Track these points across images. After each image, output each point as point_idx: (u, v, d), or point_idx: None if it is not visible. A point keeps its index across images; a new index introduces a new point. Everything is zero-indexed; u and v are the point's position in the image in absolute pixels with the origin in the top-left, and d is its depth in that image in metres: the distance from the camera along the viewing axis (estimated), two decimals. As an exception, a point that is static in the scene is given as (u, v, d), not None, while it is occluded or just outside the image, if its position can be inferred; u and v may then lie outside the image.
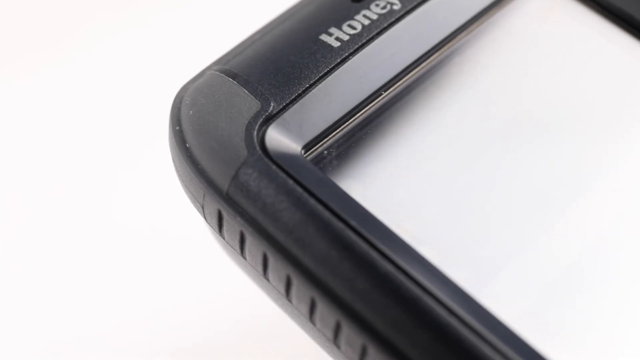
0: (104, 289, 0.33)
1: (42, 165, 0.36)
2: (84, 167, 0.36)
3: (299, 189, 0.22)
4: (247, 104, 0.23)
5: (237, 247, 0.23)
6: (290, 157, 0.23)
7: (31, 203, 0.35)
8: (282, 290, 0.23)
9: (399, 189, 0.23)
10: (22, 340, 0.33)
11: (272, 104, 0.23)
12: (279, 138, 0.23)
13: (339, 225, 0.22)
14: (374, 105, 0.24)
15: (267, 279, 0.23)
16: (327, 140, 0.24)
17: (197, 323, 0.33)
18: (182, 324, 0.33)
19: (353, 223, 0.22)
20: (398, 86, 0.25)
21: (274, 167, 0.22)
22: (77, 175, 0.36)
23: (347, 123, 0.24)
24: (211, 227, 0.24)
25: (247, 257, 0.23)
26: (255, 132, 0.23)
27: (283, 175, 0.22)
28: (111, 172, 0.36)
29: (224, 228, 0.23)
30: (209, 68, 0.25)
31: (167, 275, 0.33)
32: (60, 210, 0.35)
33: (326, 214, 0.22)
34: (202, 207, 0.24)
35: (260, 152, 0.23)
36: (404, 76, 0.25)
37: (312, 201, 0.22)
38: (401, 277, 0.21)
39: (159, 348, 0.32)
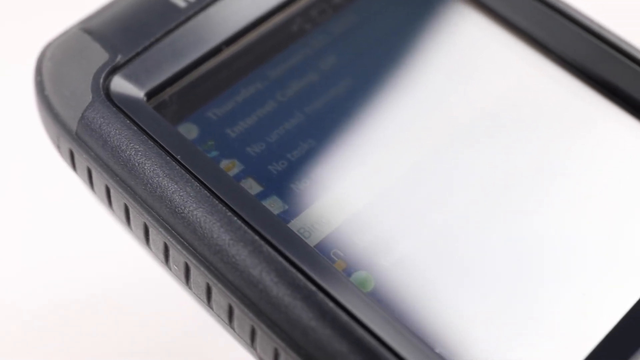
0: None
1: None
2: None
3: (134, 128, 0.25)
4: (97, 56, 0.26)
5: (87, 182, 0.26)
6: (130, 101, 0.26)
7: None
8: (124, 218, 0.26)
9: (230, 131, 0.26)
10: None
11: (119, 56, 0.26)
12: (123, 85, 0.26)
13: (167, 158, 0.25)
14: (215, 59, 0.27)
15: (112, 210, 0.26)
16: (171, 89, 0.27)
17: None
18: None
19: (179, 157, 0.25)
20: (239, 42, 0.28)
21: (114, 109, 0.25)
22: None
23: (189, 74, 0.27)
24: (68, 165, 0.27)
25: (95, 191, 0.26)
26: (101, 80, 0.26)
27: (122, 117, 0.25)
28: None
29: (76, 165, 0.26)
30: (74, 26, 0.28)
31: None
32: None
33: (156, 149, 0.25)
34: (59, 148, 0.27)
35: (103, 96, 0.26)
36: (244, 34, 0.28)
37: (144, 137, 0.25)
38: (215, 201, 0.24)
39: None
